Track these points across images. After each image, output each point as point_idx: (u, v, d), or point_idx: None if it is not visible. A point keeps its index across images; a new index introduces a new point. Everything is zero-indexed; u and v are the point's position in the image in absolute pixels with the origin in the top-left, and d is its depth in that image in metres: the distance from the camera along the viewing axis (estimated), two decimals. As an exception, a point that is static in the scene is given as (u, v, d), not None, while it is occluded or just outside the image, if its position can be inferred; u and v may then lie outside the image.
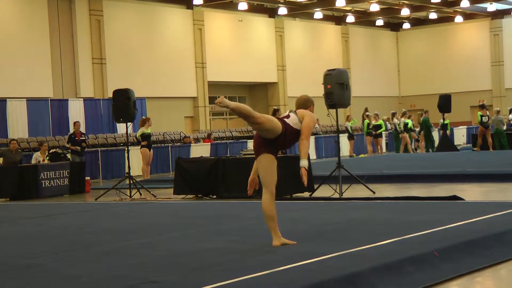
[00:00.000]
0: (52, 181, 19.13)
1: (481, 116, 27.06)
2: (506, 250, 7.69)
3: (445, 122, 28.69)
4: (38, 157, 20.30)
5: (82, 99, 31.29)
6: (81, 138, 22.48)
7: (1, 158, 20.34)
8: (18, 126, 28.38)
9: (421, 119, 30.89)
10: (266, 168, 7.97)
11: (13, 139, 22.46)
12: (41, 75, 30.73)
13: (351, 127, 30.67)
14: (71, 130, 25.08)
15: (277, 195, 14.59)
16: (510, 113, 31.76)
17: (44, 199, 18.25)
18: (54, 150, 21.91)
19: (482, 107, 27.28)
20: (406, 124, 29.02)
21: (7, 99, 28.26)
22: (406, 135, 29.09)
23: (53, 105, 29.67)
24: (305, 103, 8.29)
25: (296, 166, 15.01)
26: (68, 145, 22.55)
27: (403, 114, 29.41)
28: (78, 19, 32.44)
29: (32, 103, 28.90)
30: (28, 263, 7.74)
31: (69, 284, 6.55)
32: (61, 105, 30.02)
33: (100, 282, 6.59)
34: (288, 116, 8.10)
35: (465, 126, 40.23)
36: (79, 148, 22.42)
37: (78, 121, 23.72)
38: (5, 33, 29.81)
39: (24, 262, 7.83)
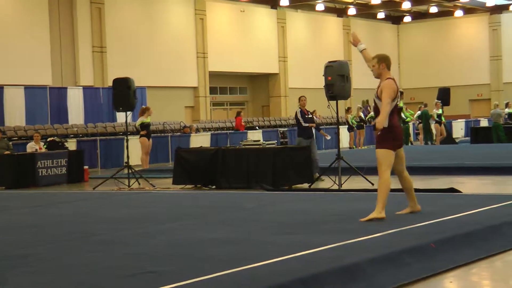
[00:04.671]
0: (49, 169, 19.02)
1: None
2: (502, 242, 7.77)
3: (439, 112, 28.66)
4: (33, 146, 20.20)
5: (81, 87, 31.23)
6: (308, 116, 17.07)
7: None
8: (15, 114, 28.16)
9: (420, 112, 30.87)
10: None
11: None
12: (40, 63, 30.66)
13: (352, 120, 30.71)
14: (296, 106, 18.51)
15: (275, 186, 14.68)
16: (506, 107, 31.77)
17: (41, 188, 18.12)
18: (52, 138, 21.84)
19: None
20: (439, 115, 28.73)
21: (4, 86, 28.08)
22: (438, 126, 28.91)
23: (51, 93, 29.50)
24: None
25: (296, 157, 15.10)
26: (306, 124, 16.82)
27: (435, 105, 29.26)
28: (78, 6, 32.40)
29: (30, 90, 28.74)
30: (25, 253, 7.72)
31: (66, 274, 6.54)
32: (60, 93, 29.89)
33: (97, 271, 6.59)
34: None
35: (464, 119, 40.25)
36: (314, 124, 17.14)
37: (304, 96, 17.65)
38: (4, 20, 29.75)
39: (21, 252, 7.81)
